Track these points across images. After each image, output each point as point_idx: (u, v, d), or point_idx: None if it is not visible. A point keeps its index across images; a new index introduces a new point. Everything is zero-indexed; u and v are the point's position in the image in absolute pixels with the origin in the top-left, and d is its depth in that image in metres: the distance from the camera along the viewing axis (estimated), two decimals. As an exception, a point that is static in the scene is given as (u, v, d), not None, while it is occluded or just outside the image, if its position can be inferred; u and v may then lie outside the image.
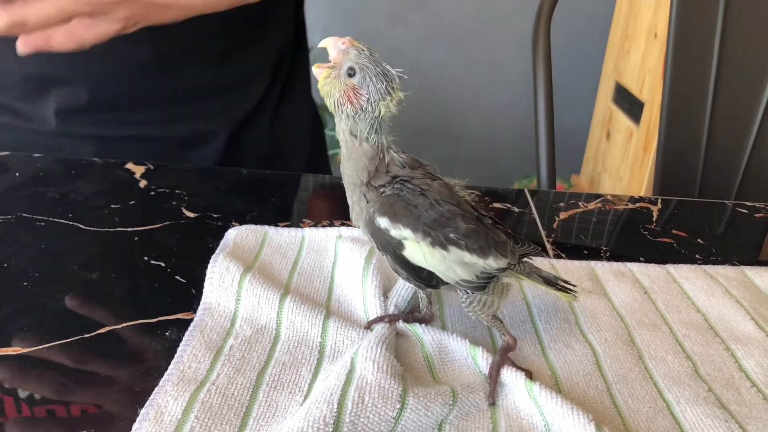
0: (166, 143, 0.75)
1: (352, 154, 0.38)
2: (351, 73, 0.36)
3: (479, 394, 0.37)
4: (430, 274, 0.38)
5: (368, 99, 0.36)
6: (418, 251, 0.37)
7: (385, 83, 0.36)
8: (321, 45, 0.37)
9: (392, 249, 0.38)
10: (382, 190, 0.37)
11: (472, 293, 0.39)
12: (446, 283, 0.39)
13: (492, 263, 0.38)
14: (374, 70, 0.35)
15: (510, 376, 0.38)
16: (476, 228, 0.38)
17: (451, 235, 0.37)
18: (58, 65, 0.70)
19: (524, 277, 0.41)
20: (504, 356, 0.39)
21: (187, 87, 0.74)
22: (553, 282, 0.43)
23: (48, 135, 0.74)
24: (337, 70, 0.36)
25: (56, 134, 0.74)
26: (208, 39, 0.73)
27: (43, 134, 0.74)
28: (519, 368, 0.39)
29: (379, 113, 0.36)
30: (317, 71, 0.37)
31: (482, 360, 0.39)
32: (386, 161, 0.38)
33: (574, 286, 0.44)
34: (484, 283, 0.39)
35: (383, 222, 0.37)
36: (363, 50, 0.36)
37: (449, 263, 0.37)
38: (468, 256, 0.37)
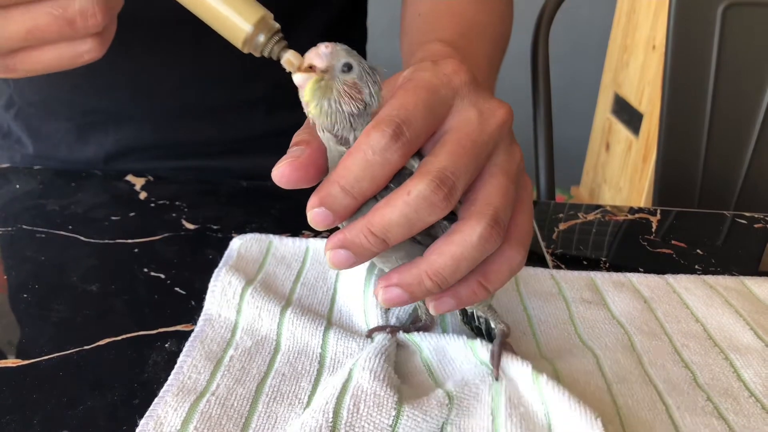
0: (227, 175, 0.73)
1: None
2: (346, 69, 0.33)
3: (474, 381, 0.37)
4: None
5: (369, 92, 0.33)
6: None
7: (376, 74, 0.33)
8: (306, 63, 0.33)
9: None
10: None
11: None
12: None
13: None
14: (365, 65, 0.33)
15: (515, 366, 0.37)
16: None
17: None
18: (123, 100, 0.69)
19: None
20: (504, 341, 0.39)
21: (263, 126, 0.73)
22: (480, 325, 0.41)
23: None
24: (329, 73, 0.33)
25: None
26: (285, 82, 0.71)
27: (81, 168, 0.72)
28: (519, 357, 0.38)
29: (377, 106, 0.33)
30: (303, 77, 0.33)
31: (482, 349, 0.39)
32: None
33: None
34: None
35: None
36: (349, 49, 0.33)
37: None
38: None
